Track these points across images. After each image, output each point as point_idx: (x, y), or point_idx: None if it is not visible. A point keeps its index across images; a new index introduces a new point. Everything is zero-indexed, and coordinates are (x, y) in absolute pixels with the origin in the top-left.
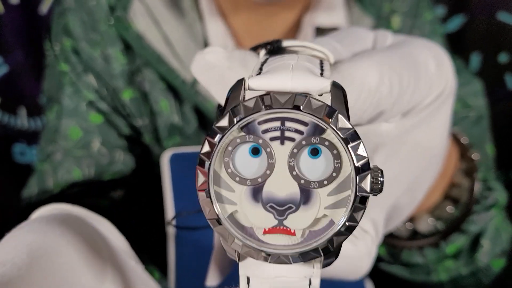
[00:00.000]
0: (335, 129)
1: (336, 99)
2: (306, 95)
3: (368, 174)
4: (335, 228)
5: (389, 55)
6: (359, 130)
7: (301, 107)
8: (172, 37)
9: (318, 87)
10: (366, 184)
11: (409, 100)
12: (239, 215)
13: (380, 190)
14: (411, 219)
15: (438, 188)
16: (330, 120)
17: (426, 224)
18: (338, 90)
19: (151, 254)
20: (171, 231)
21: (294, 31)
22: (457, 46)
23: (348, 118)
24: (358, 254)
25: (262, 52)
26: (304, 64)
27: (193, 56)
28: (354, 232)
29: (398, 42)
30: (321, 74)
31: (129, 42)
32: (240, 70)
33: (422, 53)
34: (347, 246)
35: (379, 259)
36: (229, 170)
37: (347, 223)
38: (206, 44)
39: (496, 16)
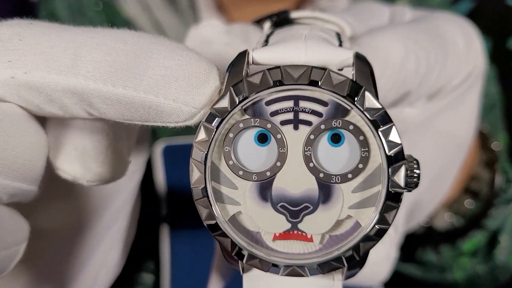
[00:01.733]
0: (362, 109)
1: (361, 73)
2: (324, 68)
3: (402, 165)
4: (362, 232)
5: (414, 28)
6: None
7: (320, 83)
8: (164, 23)
9: (339, 59)
10: (400, 177)
11: (436, 80)
12: (244, 217)
13: (416, 185)
14: (428, 215)
15: (457, 180)
16: (356, 99)
17: (443, 220)
18: (363, 63)
19: (144, 250)
20: (165, 227)
21: None
22: None
23: (376, 96)
24: (376, 258)
25: (267, 24)
26: (319, 34)
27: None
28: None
29: (421, 17)
30: (340, 45)
31: (118, 28)
32: (241, 46)
33: (449, 28)
34: None
35: None
36: (231, 162)
37: (377, 226)
38: None
39: (505, 0)
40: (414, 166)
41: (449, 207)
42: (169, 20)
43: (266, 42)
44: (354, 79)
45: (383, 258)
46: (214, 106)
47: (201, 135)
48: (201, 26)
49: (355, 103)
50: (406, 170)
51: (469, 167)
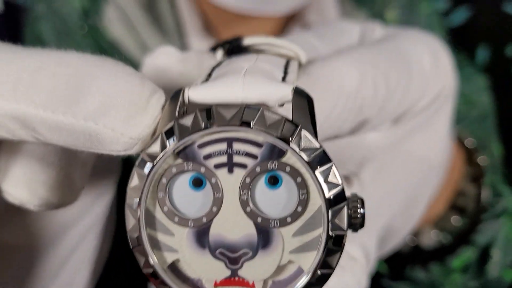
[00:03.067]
0: (297, 150)
1: (299, 109)
2: (259, 107)
3: (343, 207)
4: (304, 278)
5: (374, 51)
6: (340, 142)
7: (252, 124)
8: (150, 44)
9: (278, 94)
10: (342, 219)
11: (399, 104)
12: (183, 264)
13: (361, 225)
14: (413, 233)
15: (442, 197)
16: (291, 139)
17: (430, 238)
18: (301, 98)
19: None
20: None
21: (281, 35)
22: (461, 40)
23: (315, 134)
24: None
25: (220, 53)
26: (262, 66)
27: None
28: (340, 261)
29: (387, 36)
30: (284, 78)
31: (105, 50)
32: (195, 76)
33: (414, 47)
34: (332, 279)
35: (380, 275)
36: (165, 209)
37: (319, 271)
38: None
39: (502, 7)
40: (358, 205)
41: (435, 225)
42: (155, 41)
43: (209, 75)
44: (292, 117)
45: (353, 287)
46: (146, 151)
47: (134, 181)
48: (155, 55)
49: (290, 144)
50: (349, 210)
51: (454, 183)
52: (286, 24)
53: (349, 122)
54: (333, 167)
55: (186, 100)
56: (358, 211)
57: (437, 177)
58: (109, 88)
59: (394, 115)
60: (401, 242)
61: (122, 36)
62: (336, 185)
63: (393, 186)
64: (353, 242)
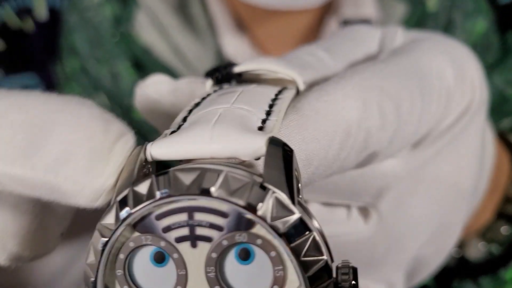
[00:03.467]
0: (268, 221)
1: (271, 166)
2: (220, 170)
3: (328, 285)
4: None
5: (384, 70)
6: (352, 173)
7: (213, 191)
8: (183, 47)
9: (251, 148)
10: None
11: (417, 128)
12: None
13: None
14: (459, 245)
15: (489, 205)
16: (258, 207)
17: (477, 250)
18: (275, 151)
19: None
20: None
21: (317, 29)
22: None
23: (291, 196)
24: None
25: (209, 83)
26: (238, 110)
27: (205, 65)
28: None
29: (406, 46)
30: (264, 121)
31: (137, 57)
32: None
33: (435, 60)
34: None
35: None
36: (125, 287)
37: None
38: (219, 55)
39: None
40: (347, 278)
41: (483, 235)
42: (188, 43)
43: (183, 121)
44: (263, 176)
45: None
46: (101, 222)
47: (90, 257)
48: (146, 85)
49: (257, 213)
50: (337, 285)
51: (502, 188)
52: (322, 18)
53: (352, 159)
54: (315, 237)
55: (149, 158)
56: (349, 283)
57: (469, 202)
58: (69, 135)
59: (412, 141)
60: (434, 271)
61: (155, 41)
62: (318, 260)
63: (417, 216)
64: (377, 279)
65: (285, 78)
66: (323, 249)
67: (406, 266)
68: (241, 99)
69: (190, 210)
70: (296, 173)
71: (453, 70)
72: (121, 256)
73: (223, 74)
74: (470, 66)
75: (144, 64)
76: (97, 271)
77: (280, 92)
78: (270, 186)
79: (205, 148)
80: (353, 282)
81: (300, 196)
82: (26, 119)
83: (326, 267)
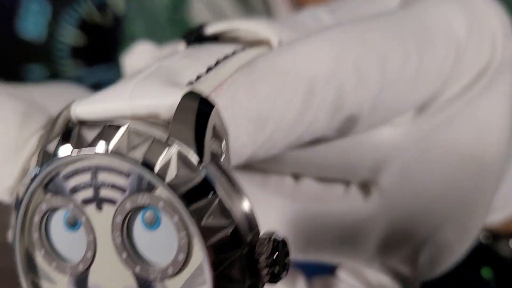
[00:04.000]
0: (167, 180)
1: (180, 120)
2: (122, 123)
3: (237, 257)
4: None
5: (370, 22)
6: (344, 144)
7: (109, 146)
8: None
9: (166, 104)
10: (234, 273)
11: (414, 90)
12: None
13: (276, 278)
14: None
15: None
16: (156, 165)
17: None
18: (188, 102)
19: None
20: None
21: None
22: None
23: (199, 154)
24: None
25: (182, 46)
26: (175, 65)
27: None
28: None
29: None
30: (199, 78)
31: None
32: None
33: (441, 10)
34: None
35: (485, 282)
36: (43, 251)
37: None
38: None
39: None
40: (264, 250)
41: None
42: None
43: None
44: (169, 132)
45: None
46: (19, 183)
47: (12, 221)
48: (130, 55)
49: (155, 171)
50: (249, 259)
51: None
52: None
53: (323, 123)
54: (221, 201)
55: (73, 117)
56: (267, 260)
57: (498, 180)
58: None
59: (409, 105)
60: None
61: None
62: (223, 226)
63: (428, 193)
64: (379, 267)
65: (264, 39)
66: (233, 215)
67: (417, 252)
68: (187, 55)
69: (94, 170)
70: (217, 131)
71: (465, 22)
72: (36, 218)
73: (195, 36)
74: (492, 19)
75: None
76: (15, 231)
77: (243, 50)
78: (174, 142)
79: (124, 105)
80: (274, 257)
81: (222, 160)
82: None
83: (234, 236)
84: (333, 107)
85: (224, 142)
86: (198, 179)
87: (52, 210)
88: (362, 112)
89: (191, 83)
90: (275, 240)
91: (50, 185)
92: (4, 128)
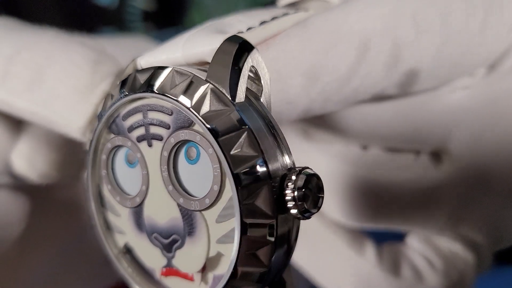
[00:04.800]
0: (198, 115)
1: (218, 61)
2: (169, 67)
3: (263, 186)
4: (225, 278)
5: None
6: (406, 109)
7: (156, 87)
8: None
9: (211, 50)
10: (261, 202)
11: (481, 45)
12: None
13: (306, 211)
14: None
15: None
16: (192, 101)
17: None
18: (228, 46)
19: None
20: None
21: None
22: None
23: (232, 91)
24: None
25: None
26: (231, 20)
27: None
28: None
29: None
30: (249, 29)
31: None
32: None
33: None
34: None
35: None
36: (109, 187)
37: (240, 269)
38: None
39: None
40: (296, 183)
41: None
42: None
43: None
44: (207, 74)
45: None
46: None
47: (85, 158)
48: None
49: (191, 108)
50: (277, 193)
51: None
52: None
53: (380, 76)
54: (250, 133)
55: (138, 67)
56: (294, 193)
57: None
58: (60, 74)
59: (478, 62)
60: None
61: None
62: (251, 157)
63: (500, 158)
64: (451, 235)
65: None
66: (257, 146)
67: (490, 222)
68: (245, 13)
69: (144, 109)
70: (256, 73)
71: None
72: (103, 157)
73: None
74: None
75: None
76: (88, 169)
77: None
78: (210, 81)
79: (177, 54)
80: (302, 190)
81: (260, 99)
82: (33, 57)
83: (260, 166)
84: (389, 60)
85: (263, 83)
86: (228, 113)
87: (115, 149)
88: (423, 66)
89: (240, 32)
90: (305, 173)
91: (112, 126)
92: (77, 73)
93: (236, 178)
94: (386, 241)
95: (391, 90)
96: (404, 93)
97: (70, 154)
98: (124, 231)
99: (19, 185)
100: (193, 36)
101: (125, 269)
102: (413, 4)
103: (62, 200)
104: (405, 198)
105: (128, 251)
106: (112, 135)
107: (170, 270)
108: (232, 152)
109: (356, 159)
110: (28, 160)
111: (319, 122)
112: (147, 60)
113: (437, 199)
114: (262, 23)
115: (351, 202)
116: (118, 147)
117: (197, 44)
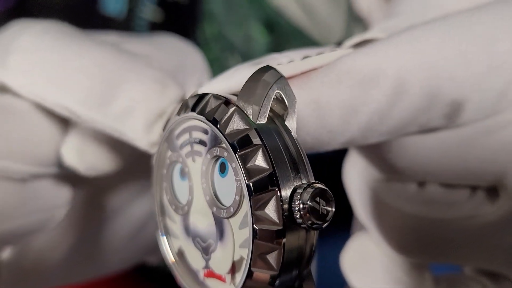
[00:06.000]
0: (222, 132)
1: (248, 86)
2: (209, 93)
3: (272, 197)
4: (242, 278)
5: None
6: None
7: (196, 110)
8: (314, 5)
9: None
10: (270, 211)
11: None
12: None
13: (312, 222)
14: None
15: None
16: (219, 122)
17: None
18: (259, 74)
19: None
20: None
21: None
22: None
23: (255, 111)
24: None
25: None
26: (279, 57)
27: (336, 22)
28: None
29: None
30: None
31: (270, 18)
32: None
33: None
34: None
35: None
36: (168, 197)
37: (253, 271)
38: (351, 11)
39: None
40: (304, 197)
41: None
42: (321, 3)
43: None
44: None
45: None
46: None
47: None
48: None
49: (218, 125)
50: (283, 201)
51: None
52: None
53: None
54: (261, 149)
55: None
56: (302, 203)
57: None
58: (134, 94)
59: None
60: None
61: (287, 2)
62: (262, 170)
63: None
64: (508, 272)
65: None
66: (270, 162)
67: None
68: (301, 50)
69: (190, 130)
70: (283, 98)
71: None
72: (164, 171)
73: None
74: None
75: (276, 26)
76: (152, 183)
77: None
78: (237, 103)
79: (223, 85)
80: (309, 203)
81: (285, 122)
82: (103, 73)
83: (271, 178)
84: (430, 91)
85: (290, 108)
86: (247, 131)
87: (173, 164)
88: (466, 96)
89: (279, 64)
90: (313, 187)
91: (170, 144)
92: (148, 93)
93: (249, 188)
94: (443, 271)
95: (439, 122)
96: (453, 124)
97: (117, 148)
98: (178, 236)
99: (66, 174)
100: (240, 68)
101: (178, 272)
102: (457, 36)
103: (97, 192)
104: (462, 234)
105: (180, 254)
106: (170, 152)
107: (210, 272)
108: (247, 166)
109: (414, 195)
110: (77, 152)
111: (376, 162)
112: (203, 90)
113: (493, 235)
114: (305, 57)
115: (407, 239)
116: (174, 162)
117: (240, 74)
